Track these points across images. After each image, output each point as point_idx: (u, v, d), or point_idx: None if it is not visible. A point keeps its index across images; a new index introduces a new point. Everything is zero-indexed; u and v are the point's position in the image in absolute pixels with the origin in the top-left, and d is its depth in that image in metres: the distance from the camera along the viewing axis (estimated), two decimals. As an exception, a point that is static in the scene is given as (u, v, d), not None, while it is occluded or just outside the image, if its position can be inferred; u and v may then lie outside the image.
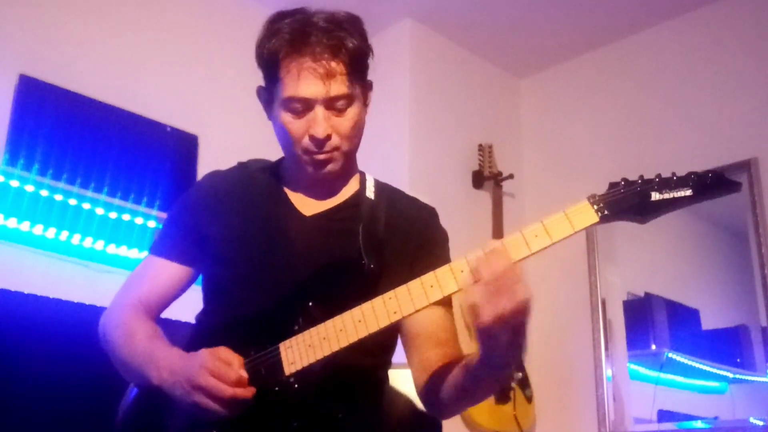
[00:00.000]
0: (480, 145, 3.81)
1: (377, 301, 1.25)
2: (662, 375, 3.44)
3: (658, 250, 3.57)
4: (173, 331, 1.45)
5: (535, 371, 3.64)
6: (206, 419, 1.24)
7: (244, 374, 1.24)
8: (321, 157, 1.39)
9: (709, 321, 3.42)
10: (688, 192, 1.18)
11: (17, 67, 2.73)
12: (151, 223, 2.86)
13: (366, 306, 1.26)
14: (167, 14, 3.28)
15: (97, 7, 3.06)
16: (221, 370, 1.22)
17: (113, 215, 2.78)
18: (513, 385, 3.45)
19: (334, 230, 1.45)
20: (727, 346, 3.34)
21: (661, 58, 3.66)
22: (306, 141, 1.38)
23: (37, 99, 2.72)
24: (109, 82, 2.97)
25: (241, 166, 1.59)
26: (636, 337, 3.55)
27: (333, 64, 1.33)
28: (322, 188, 1.49)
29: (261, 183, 1.53)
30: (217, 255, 1.45)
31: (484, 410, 3.32)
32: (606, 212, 1.20)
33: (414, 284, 1.25)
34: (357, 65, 1.36)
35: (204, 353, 1.26)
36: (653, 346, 3.49)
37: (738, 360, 3.31)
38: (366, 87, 1.44)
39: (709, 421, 3.29)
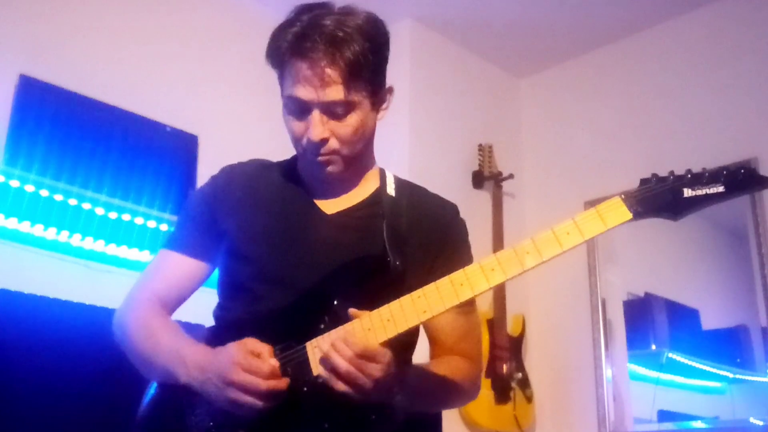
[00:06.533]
0: (480, 145, 3.81)
1: (406, 300, 1.25)
2: (662, 375, 3.44)
3: (658, 250, 3.57)
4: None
5: (535, 371, 3.64)
6: (240, 415, 1.23)
7: (275, 363, 1.23)
8: (319, 159, 1.39)
9: (709, 321, 3.42)
10: (720, 188, 1.18)
11: (17, 67, 2.73)
12: (152, 223, 2.86)
13: (394, 305, 1.25)
14: (167, 15, 3.28)
15: (97, 7, 3.06)
16: (252, 363, 1.21)
17: (113, 215, 2.78)
18: (513, 385, 3.45)
19: (357, 227, 1.44)
20: (727, 346, 3.34)
21: (661, 58, 3.66)
22: (305, 142, 1.38)
23: (37, 99, 2.72)
24: (109, 82, 2.97)
25: (244, 166, 1.57)
26: (636, 337, 3.55)
27: (329, 70, 1.32)
28: (339, 186, 1.48)
29: (280, 178, 1.52)
30: (237, 251, 1.44)
31: (484, 410, 3.32)
32: (639, 209, 1.19)
33: (443, 283, 1.24)
34: (356, 73, 1.33)
35: (232, 347, 1.25)
36: (653, 346, 3.49)
37: (738, 360, 3.31)
38: (376, 92, 1.40)
39: (709, 421, 3.29)
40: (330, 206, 1.47)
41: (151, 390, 1.41)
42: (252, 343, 1.25)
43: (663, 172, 1.24)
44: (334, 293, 1.31)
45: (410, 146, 3.56)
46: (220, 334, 1.42)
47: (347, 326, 1.26)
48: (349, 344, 1.20)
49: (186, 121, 3.13)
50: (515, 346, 3.58)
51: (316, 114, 1.35)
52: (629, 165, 3.57)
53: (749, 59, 3.36)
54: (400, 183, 1.55)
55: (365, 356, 1.20)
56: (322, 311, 1.30)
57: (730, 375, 3.34)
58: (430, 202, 1.54)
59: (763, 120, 3.26)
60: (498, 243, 3.60)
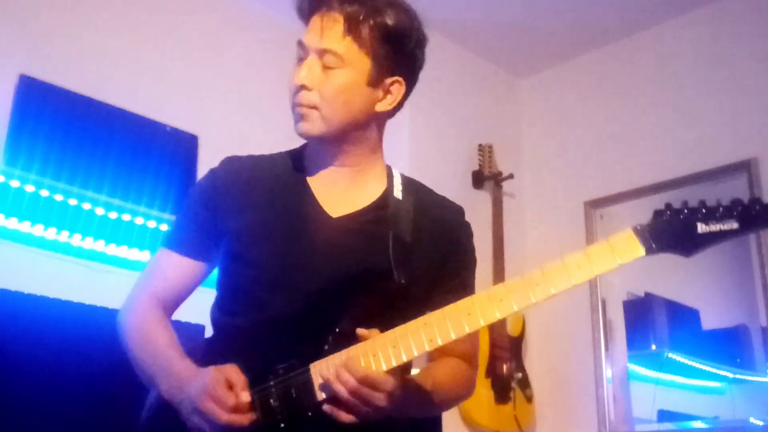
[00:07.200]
0: (480, 145, 3.81)
1: (413, 326, 1.22)
2: (662, 375, 3.44)
3: (658, 250, 3.57)
4: (181, 333, 1.42)
5: (535, 371, 3.64)
6: None
7: (245, 398, 1.20)
8: (297, 110, 1.37)
9: (709, 321, 3.42)
10: (734, 225, 1.15)
11: (17, 67, 2.73)
12: (152, 223, 2.86)
13: (400, 331, 1.22)
14: (167, 15, 3.28)
15: (97, 7, 3.06)
16: (219, 393, 1.19)
17: (113, 215, 2.78)
18: (513, 385, 3.45)
19: (362, 233, 1.40)
20: (727, 346, 3.34)
21: (661, 58, 3.66)
22: (292, 89, 1.38)
23: (37, 99, 2.72)
24: (109, 82, 2.97)
25: (245, 160, 1.52)
26: (636, 337, 3.55)
27: (333, 22, 1.34)
28: (345, 183, 1.44)
29: (284, 175, 1.47)
30: (237, 253, 1.40)
31: (484, 410, 3.32)
32: (652, 245, 1.17)
33: (451, 311, 1.22)
34: (357, 32, 1.33)
35: (209, 374, 1.23)
36: (653, 346, 3.49)
37: (738, 360, 3.31)
38: (376, 67, 1.37)
39: (709, 421, 3.29)
40: (335, 208, 1.43)
41: (154, 393, 1.40)
42: (231, 372, 1.23)
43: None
44: (338, 310, 1.28)
45: (410, 146, 3.56)
46: (219, 342, 1.40)
47: (351, 351, 1.23)
48: (352, 371, 1.18)
49: (186, 121, 3.13)
50: (515, 346, 3.58)
51: (310, 58, 1.36)
52: (629, 165, 3.57)
53: (749, 59, 3.36)
54: (408, 184, 1.51)
55: (368, 384, 1.18)
56: (325, 329, 1.27)
57: (730, 375, 3.34)
58: (437, 205, 1.51)
59: (763, 120, 3.26)
60: (498, 243, 3.60)
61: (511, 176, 3.80)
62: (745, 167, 3.23)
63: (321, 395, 1.22)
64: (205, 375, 1.23)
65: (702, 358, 3.40)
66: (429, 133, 3.68)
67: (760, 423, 3.05)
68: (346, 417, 1.19)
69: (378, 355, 1.21)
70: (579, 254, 1.18)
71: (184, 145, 3.09)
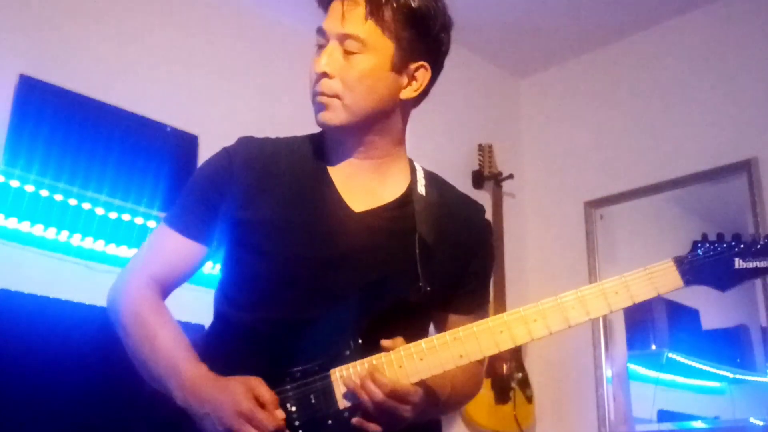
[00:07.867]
0: (480, 145, 3.81)
1: (441, 339, 1.20)
2: (662, 375, 3.44)
3: (658, 250, 3.57)
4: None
5: (535, 371, 3.64)
6: None
7: (281, 415, 1.15)
8: (318, 99, 1.31)
9: (709, 321, 3.42)
10: None
11: (17, 67, 2.72)
12: (152, 223, 2.86)
13: (429, 343, 1.20)
14: (167, 14, 3.28)
15: (97, 7, 3.06)
16: (257, 416, 1.13)
17: (113, 215, 2.77)
18: (513, 385, 3.45)
19: (387, 233, 1.35)
20: (727, 346, 3.34)
21: (661, 58, 3.67)
22: (312, 78, 1.33)
23: (37, 99, 2.72)
24: (109, 82, 2.96)
25: (263, 143, 1.46)
26: (636, 337, 3.55)
27: (355, 6, 1.30)
28: (366, 172, 1.38)
29: (303, 161, 1.39)
30: (251, 244, 1.33)
31: (484, 410, 3.32)
32: (690, 277, 1.21)
33: (483, 328, 1.20)
34: (380, 15, 1.29)
35: (237, 390, 1.16)
36: (653, 346, 3.49)
37: (738, 360, 3.31)
38: (400, 53, 1.32)
39: (709, 421, 3.29)
40: (357, 202, 1.36)
41: (151, 389, 1.37)
42: (259, 388, 1.17)
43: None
44: (359, 313, 1.24)
45: (410, 146, 3.55)
46: (225, 336, 1.34)
47: (375, 359, 1.20)
48: (378, 383, 1.16)
49: (186, 121, 3.13)
50: (515, 346, 3.57)
51: (330, 44, 1.31)
52: (629, 165, 3.57)
53: (749, 59, 3.36)
54: (430, 179, 1.48)
55: (396, 397, 1.16)
56: (346, 333, 1.23)
57: (730, 375, 3.34)
58: (460, 203, 1.49)
59: (763, 120, 3.26)
60: (498, 243, 3.60)
61: (511, 176, 3.80)
62: (745, 167, 3.23)
63: (344, 403, 1.19)
64: (233, 392, 1.16)
65: (702, 358, 3.40)
66: (429, 132, 3.67)
67: (760, 423, 3.05)
68: (374, 428, 1.17)
69: (404, 367, 1.19)
70: (615, 281, 1.21)
71: (184, 145, 3.09)
